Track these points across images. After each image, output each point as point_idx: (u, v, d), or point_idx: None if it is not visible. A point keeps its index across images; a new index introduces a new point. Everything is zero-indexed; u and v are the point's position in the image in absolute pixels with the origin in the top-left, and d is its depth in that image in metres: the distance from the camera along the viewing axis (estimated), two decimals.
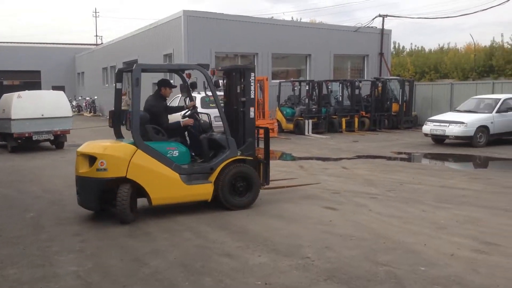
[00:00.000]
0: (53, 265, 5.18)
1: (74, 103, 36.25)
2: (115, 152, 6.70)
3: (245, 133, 7.68)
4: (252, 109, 7.67)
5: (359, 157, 13.20)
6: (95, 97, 34.47)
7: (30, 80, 38.52)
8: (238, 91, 7.77)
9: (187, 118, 7.89)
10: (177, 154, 7.05)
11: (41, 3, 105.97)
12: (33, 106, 14.84)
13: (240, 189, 7.39)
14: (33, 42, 45.51)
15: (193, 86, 7.72)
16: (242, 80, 7.69)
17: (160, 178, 6.84)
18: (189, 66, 8.03)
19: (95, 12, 75.88)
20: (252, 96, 7.67)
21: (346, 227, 6.43)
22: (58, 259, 5.37)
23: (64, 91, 17.32)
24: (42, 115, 14.89)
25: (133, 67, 6.94)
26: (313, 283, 4.59)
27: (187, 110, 8.06)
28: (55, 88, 33.10)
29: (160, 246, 5.74)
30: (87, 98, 35.57)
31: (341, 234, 6.11)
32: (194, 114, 7.92)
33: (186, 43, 20.41)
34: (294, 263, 5.10)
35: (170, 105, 17.83)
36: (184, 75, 7.78)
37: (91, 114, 33.99)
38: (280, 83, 20.83)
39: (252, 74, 7.67)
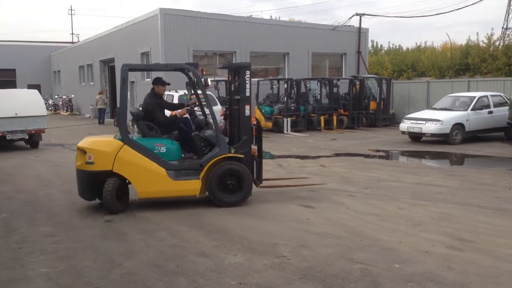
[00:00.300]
0: (23, 267, 5.06)
1: (50, 101, 35.71)
2: (101, 147, 7.13)
3: (240, 131, 7.62)
4: (247, 107, 7.57)
5: (337, 155, 13.26)
6: (72, 95, 33.97)
7: (5, 79, 37.76)
8: (233, 89, 7.79)
9: (181, 110, 8.05)
10: (164, 150, 7.24)
11: (14, 1, 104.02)
12: (7, 105, 14.54)
13: (229, 186, 7.36)
14: (8, 40, 44.65)
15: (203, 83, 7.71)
16: (237, 78, 7.68)
17: (145, 173, 7.10)
18: (178, 65, 7.98)
19: (71, 10, 74.96)
20: (248, 94, 7.57)
21: (323, 225, 6.43)
22: (29, 260, 5.24)
23: (40, 90, 17.07)
24: (16, 114, 14.59)
25: (121, 67, 7.18)
26: (288, 282, 4.57)
27: (187, 106, 8.10)
28: (30, 86, 32.54)
29: (135, 246, 5.66)
30: (64, 97, 35.02)
31: (318, 232, 6.10)
32: (192, 109, 8.05)
33: (163, 41, 20.22)
34: (269, 262, 5.07)
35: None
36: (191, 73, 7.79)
37: (68, 113, 33.48)
38: (258, 81, 20.78)
39: (248, 72, 7.55)
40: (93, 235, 6.11)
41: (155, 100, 7.83)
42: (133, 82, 23.69)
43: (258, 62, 24.05)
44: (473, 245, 5.53)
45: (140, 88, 22.63)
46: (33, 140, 15.42)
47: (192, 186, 7.27)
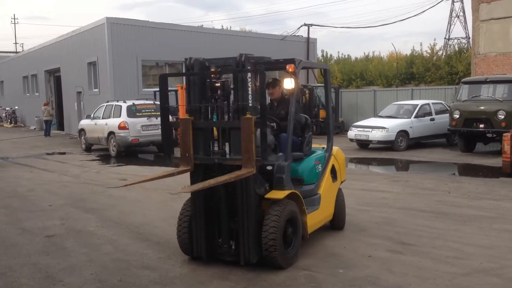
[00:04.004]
0: None
1: None
2: None
3: None
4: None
5: None
6: (16, 107, 32.74)
7: None
8: None
9: None
10: None
11: None
12: None
13: None
14: None
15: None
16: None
17: None
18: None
19: (14, 18, 72.65)
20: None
21: None
22: None
23: None
24: None
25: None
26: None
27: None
28: None
29: (77, 261, 5.49)
30: (7, 108, 33.67)
31: None
32: None
33: (111, 51, 19.84)
34: (219, 271, 5.04)
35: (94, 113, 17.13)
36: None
37: (12, 125, 32.20)
38: None
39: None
40: (32, 251, 5.88)
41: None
42: (80, 92, 23.13)
43: None
44: (412, 248, 5.70)
45: (88, 98, 22.11)
46: None
47: None
